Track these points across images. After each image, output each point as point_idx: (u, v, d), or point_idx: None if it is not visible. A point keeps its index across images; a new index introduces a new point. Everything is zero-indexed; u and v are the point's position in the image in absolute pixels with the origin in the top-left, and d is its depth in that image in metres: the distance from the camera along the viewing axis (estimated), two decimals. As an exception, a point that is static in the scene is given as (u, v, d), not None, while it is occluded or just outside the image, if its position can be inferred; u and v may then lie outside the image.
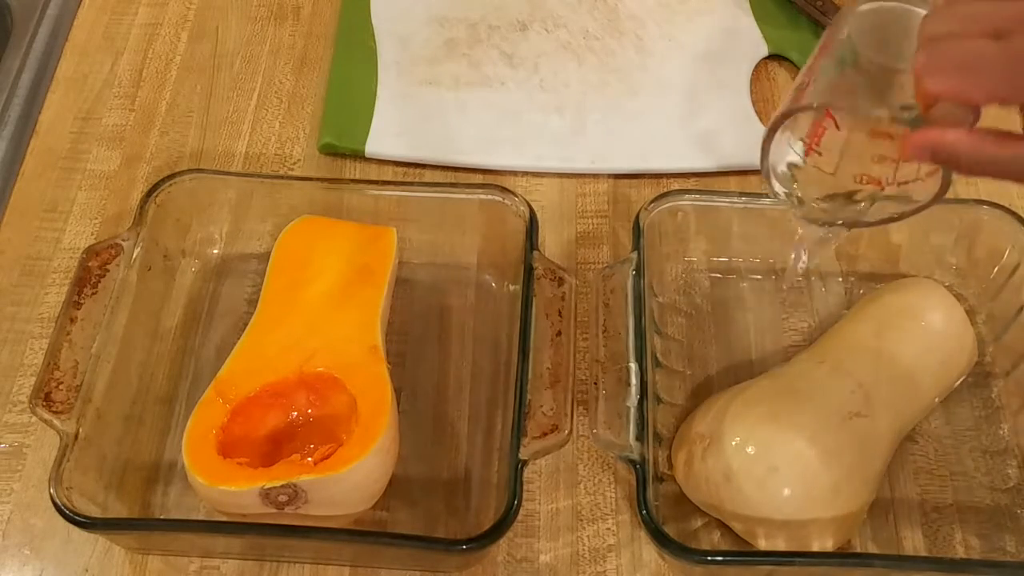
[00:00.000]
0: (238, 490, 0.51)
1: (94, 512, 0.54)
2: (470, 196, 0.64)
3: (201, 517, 0.58)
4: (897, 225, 0.65)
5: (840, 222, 0.53)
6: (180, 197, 0.64)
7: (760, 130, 0.74)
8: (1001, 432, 0.61)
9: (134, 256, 0.60)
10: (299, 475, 0.51)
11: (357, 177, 0.73)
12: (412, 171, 0.73)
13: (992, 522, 0.58)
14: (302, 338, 0.58)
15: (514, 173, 0.73)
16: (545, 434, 0.53)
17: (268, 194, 0.66)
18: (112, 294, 0.58)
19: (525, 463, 0.53)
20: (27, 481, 0.60)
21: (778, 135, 0.50)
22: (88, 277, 0.59)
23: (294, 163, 0.74)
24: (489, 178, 0.72)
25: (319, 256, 0.62)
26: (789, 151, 0.51)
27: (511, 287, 0.64)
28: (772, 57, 0.80)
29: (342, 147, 0.73)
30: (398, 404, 0.57)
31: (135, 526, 0.57)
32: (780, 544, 0.54)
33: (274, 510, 0.52)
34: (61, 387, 0.55)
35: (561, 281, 0.59)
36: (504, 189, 0.63)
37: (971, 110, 0.44)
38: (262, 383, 0.56)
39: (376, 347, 0.58)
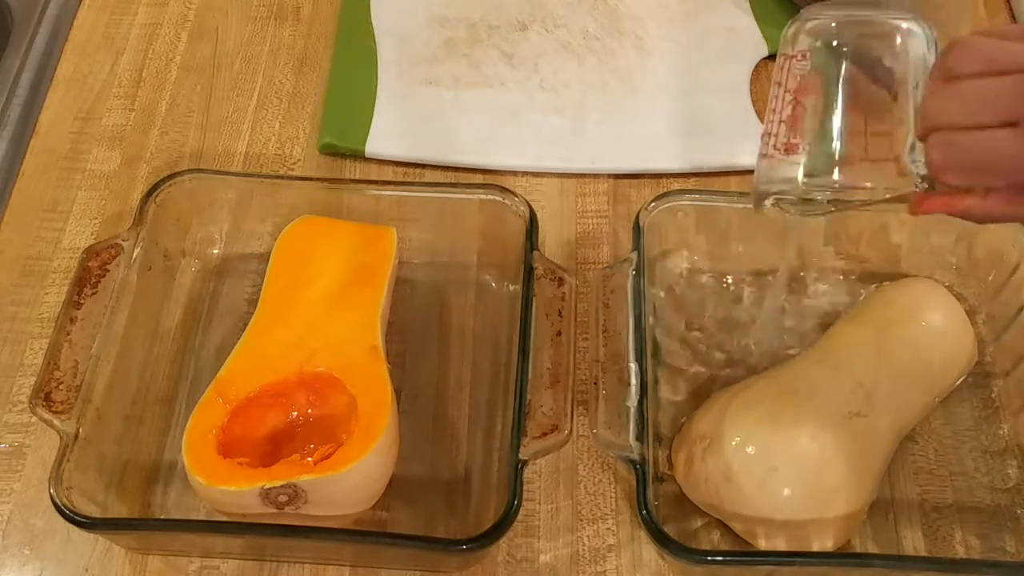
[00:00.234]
0: (238, 490, 0.51)
1: (94, 512, 0.54)
2: (470, 196, 0.64)
3: (201, 517, 0.58)
4: (897, 225, 0.66)
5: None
6: (180, 197, 0.64)
7: (759, 130, 0.74)
8: (1001, 432, 0.61)
9: (134, 256, 0.60)
10: (299, 475, 0.51)
11: (357, 177, 0.73)
12: (412, 171, 0.73)
13: (992, 522, 0.58)
14: (302, 338, 0.58)
15: (514, 173, 0.73)
16: (545, 434, 0.53)
17: (268, 194, 0.66)
18: (112, 294, 0.58)
19: (525, 463, 0.53)
20: (27, 481, 0.60)
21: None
22: (88, 277, 0.59)
23: (294, 163, 0.74)
24: (489, 178, 0.72)
25: (319, 256, 0.62)
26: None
27: (511, 287, 0.64)
28: (772, 57, 0.80)
29: (342, 147, 0.73)
30: (398, 404, 0.57)
31: (135, 526, 0.57)
32: (780, 544, 0.54)
33: (274, 510, 0.52)
34: (61, 387, 0.55)
35: (561, 281, 0.59)
36: (504, 189, 0.63)
37: None
38: (262, 383, 0.56)
39: (376, 347, 0.58)
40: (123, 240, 0.60)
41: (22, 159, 0.74)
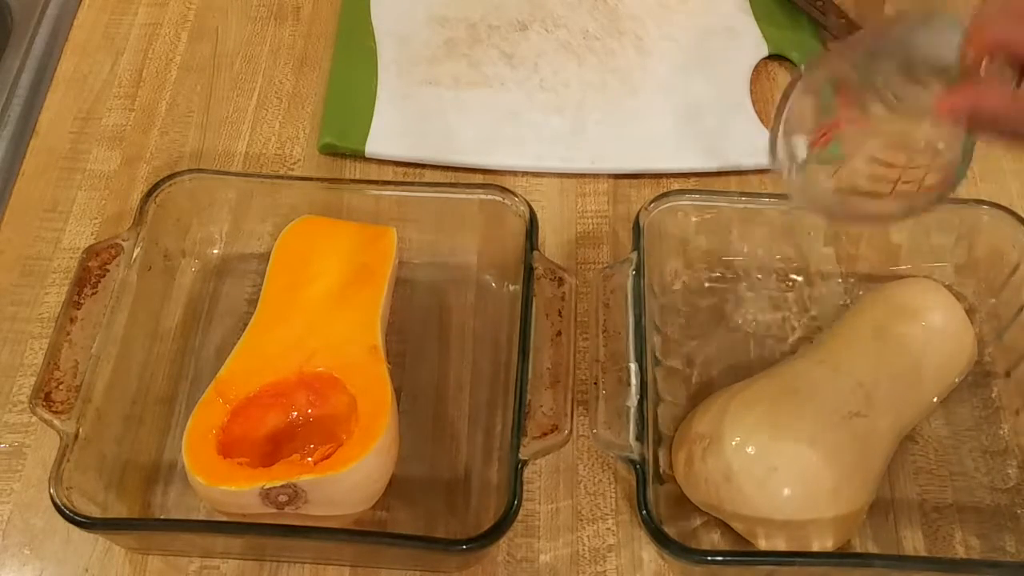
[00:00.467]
0: (238, 490, 0.51)
1: (94, 512, 0.54)
2: (470, 196, 0.64)
3: (201, 517, 0.58)
4: (897, 225, 0.66)
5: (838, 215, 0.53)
6: (180, 197, 0.64)
7: (759, 130, 0.74)
8: (1001, 432, 0.61)
9: (134, 256, 0.60)
10: (299, 475, 0.51)
11: (357, 177, 0.73)
12: (412, 171, 0.73)
13: (992, 522, 0.58)
14: (302, 338, 0.58)
15: (514, 173, 0.73)
16: (545, 434, 0.53)
17: (268, 194, 0.66)
18: (112, 294, 0.58)
19: (525, 463, 0.53)
20: (27, 481, 0.60)
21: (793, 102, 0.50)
22: (88, 277, 0.59)
23: (294, 163, 0.74)
24: (489, 178, 0.72)
25: (319, 256, 0.62)
26: (800, 144, 0.51)
27: (511, 287, 0.64)
28: (772, 57, 0.80)
29: (342, 147, 0.73)
30: (398, 404, 0.57)
31: (135, 526, 0.57)
32: (780, 544, 0.54)
33: (274, 510, 0.52)
34: (61, 387, 0.55)
35: (561, 281, 0.59)
36: (504, 189, 0.63)
37: (1015, 75, 0.42)
38: (262, 383, 0.56)
39: (376, 347, 0.58)
40: (123, 240, 0.60)
41: (22, 159, 0.74)
